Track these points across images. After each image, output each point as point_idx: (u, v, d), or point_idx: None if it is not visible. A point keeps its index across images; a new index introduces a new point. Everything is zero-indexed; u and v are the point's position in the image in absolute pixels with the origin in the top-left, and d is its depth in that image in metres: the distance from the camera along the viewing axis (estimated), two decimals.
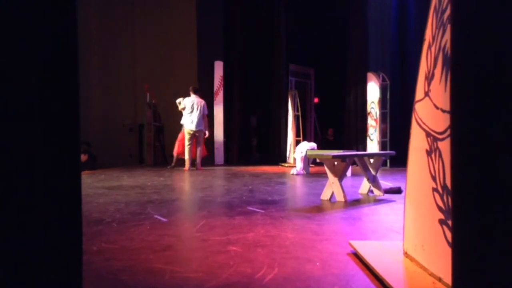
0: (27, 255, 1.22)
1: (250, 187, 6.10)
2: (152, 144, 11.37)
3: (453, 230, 1.29)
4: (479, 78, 1.18)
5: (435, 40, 2.13)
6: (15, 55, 1.20)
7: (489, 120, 1.16)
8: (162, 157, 11.59)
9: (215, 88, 11.38)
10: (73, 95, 1.33)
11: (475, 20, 1.18)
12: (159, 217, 3.72)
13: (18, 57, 1.20)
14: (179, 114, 12.22)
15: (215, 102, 11.33)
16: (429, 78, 2.18)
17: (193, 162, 9.21)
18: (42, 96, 1.25)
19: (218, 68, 11.41)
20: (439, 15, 2.11)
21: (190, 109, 9.14)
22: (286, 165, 10.57)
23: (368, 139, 10.40)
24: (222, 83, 11.47)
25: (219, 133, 11.36)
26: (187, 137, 9.17)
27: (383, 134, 9.97)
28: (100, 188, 6.01)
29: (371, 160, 5.35)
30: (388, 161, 9.76)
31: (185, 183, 6.82)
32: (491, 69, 1.17)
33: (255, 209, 4.15)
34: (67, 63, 1.28)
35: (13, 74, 1.20)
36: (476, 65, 1.18)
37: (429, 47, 2.21)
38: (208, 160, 11.19)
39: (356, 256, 2.46)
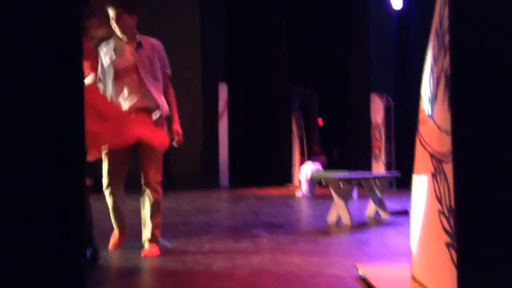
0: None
1: (255, 210, 6.06)
2: None
3: (458, 251, 1.27)
4: (480, 98, 1.18)
5: (437, 62, 2.13)
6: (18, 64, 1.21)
7: (490, 139, 1.15)
8: (167, 178, 11.57)
9: (220, 110, 11.45)
10: (79, 110, 1.34)
11: (474, 43, 1.19)
12: (164, 242, 3.70)
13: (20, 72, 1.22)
14: (185, 136, 12.24)
15: (219, 124, 11.38)
16: (432, 100, 2.18)
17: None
18: (50, 109, 1.26)
19: (223, 91, 11.50)
20: (440, 38, 2.13)
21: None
22: (291, 186, 10.52)
23: (373, 160, 10.36)
24: (227, 105, 11.54)
25: (223, 154, 11.37)
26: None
27: (388, 155, 9.93)
28: (104, 212, 5.98)
29: (377, 182, 5.32)
30: (394, 182, 9.69)
31: (190, 206, 6.79)
32: (491, 90, 1.17)
33: (260, 233, 4.11)
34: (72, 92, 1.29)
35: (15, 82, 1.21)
36: (475, 87, 1.18)
37: (432, 69, 2.22)
38: (213, 182, 11.13)
39: (364, 281, 2.43)
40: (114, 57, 3.20)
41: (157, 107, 3.20)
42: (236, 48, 12.26)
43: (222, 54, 11.82)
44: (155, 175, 3.17)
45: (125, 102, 3.18)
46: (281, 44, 12.20)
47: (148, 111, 3.18)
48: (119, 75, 3.17)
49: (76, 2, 1.30)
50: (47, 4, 1.23)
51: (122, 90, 3.17)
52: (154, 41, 3.35)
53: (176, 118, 3.32)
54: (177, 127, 3.29)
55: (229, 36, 12.02)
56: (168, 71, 3.41)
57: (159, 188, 3.21)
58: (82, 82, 1.45)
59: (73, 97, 1.30)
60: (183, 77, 12.06)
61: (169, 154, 11.70)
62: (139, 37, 3.28)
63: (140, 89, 3.16)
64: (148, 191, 3.16)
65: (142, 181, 3.18)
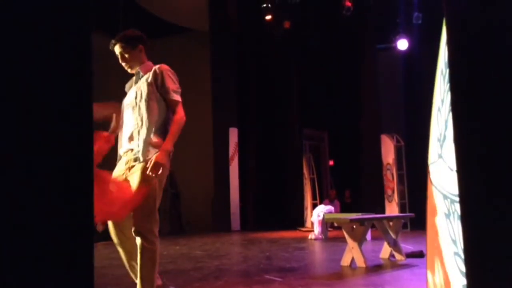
0: None
1: (268, 253, 5.97)
2: (169, 212, 11.33)
3: None
4: (485, 140, 1.19)
5: (444, 104, 2.16)
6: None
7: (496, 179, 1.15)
8: (178, 225, 11.50)
9: (230, 154, 11.51)
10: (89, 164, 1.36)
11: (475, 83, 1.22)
12: None
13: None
14: (197, 180, 12.26)
15: (230, 168, 11.41)
16: (441, 140, 2.19)
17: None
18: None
19: (233, 135, 11.61)
20: (446, 79, 2.16)
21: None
22: (304, 229, 10.38)
23: (386, 201, 10.23)
24: (237, 149, 11.60)
25: (234, 198, 11.32)
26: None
27: (401, 195, 9.81)
28: (116, 259, 5.93)
29: (391, 223, 5.24)
30: (408, 223, 9.52)
31: (201, 250, 6.71)
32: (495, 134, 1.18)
33: (273, 278, 4.04)
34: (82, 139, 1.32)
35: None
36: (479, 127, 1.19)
37: (439, 110, 2.24)
38: (224, 226, 11.01)
39: None
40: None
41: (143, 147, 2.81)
42: (246, 92, 12.45)
43: (232, 100, 11.99)
44: (142, 221, 2.70)
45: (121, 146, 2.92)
46: (291, 87, 12.39)
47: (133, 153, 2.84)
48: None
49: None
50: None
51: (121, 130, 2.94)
52: (156, 67, 2.95)
53: (164, 146, 2.79)
54: (159, 156, 2.71)
55: (239, 80, 12.25)
56: (171, 97, 2.92)
57: (151, 236, 2.71)
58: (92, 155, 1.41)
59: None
60: (194, 122, 12.21)
61: (180, 199, 11.72)
62: (141, 67, 2.95)
63: (130, 127, 2.88)
64: (137, 240, 2.72)
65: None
